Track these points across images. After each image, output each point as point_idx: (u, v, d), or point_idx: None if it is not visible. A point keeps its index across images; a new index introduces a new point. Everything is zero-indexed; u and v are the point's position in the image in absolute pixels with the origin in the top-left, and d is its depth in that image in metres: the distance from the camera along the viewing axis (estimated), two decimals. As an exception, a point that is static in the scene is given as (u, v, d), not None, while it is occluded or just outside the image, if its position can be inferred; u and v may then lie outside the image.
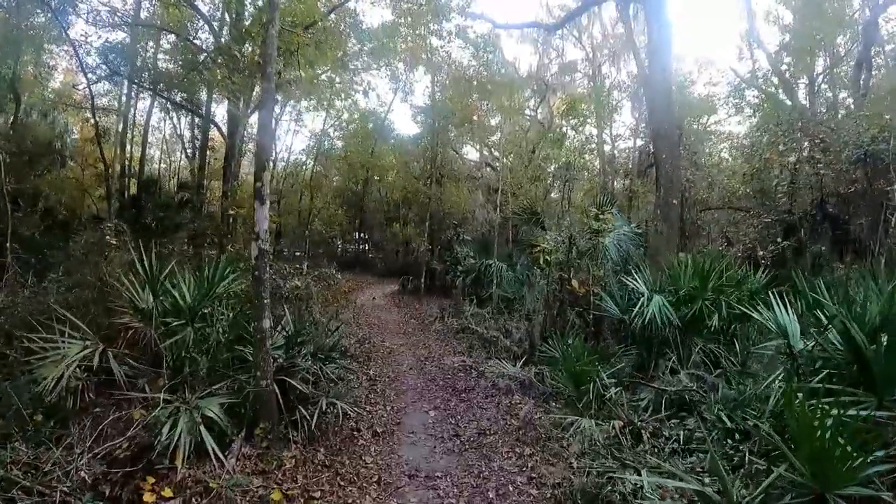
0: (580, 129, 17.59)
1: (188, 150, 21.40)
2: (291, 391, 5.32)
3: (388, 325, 11.70)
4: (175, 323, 5.29)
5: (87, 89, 15.62)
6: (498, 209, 12.91)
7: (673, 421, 6.44)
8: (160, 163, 21.57)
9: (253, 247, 4.77)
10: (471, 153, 24.58)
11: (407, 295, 16.38)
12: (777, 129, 12.59)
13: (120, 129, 20.47)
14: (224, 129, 15.71)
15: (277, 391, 5.06)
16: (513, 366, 7.82)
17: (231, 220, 16.56)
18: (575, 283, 8.11)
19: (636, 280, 8.11)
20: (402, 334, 10.78)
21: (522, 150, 16.05)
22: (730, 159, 18.13)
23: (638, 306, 7.65)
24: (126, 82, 18.32)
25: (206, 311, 5.71)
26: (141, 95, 19.48)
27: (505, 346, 8.98)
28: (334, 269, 10.56)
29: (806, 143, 12.30)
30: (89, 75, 15.11)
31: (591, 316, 8.61)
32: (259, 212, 4.76)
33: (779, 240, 12.02)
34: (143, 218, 18.58)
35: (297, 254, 22.55)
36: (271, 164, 21.52)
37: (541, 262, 8.16)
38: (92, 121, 23.94)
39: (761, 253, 11.19)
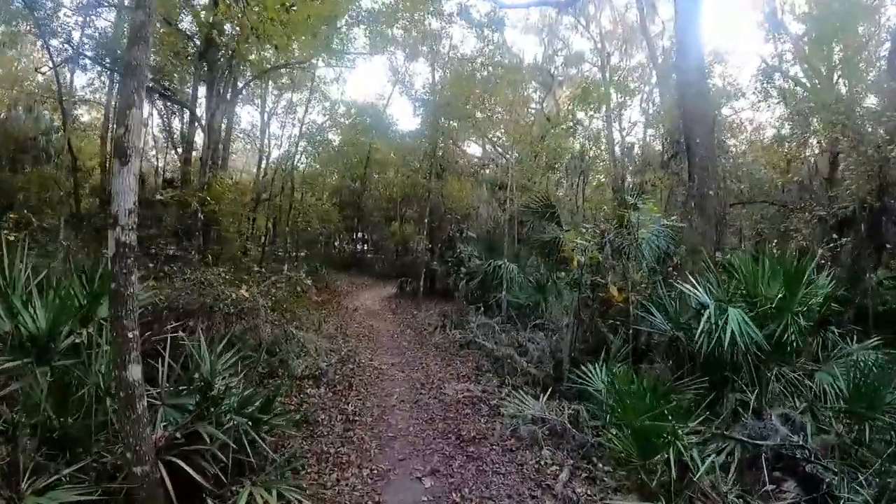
0: (592, 115, 15.35)
1: (176, 144, 19.25)
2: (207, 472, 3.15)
3: (380, 337, 9.50)
4: (6, 363, 3.12)
5: (54, 74, 13.45)
6: (509, 201, 10.71)
7: (769, 487, 4.33)
8: (142, 159, 19.37)
9: (109, 238, 2.59)
10: (473, 149, 22.44)
11: (405, 299, 14.18)
12: (834, 107, 10.38)
13: (105, 125, 18.37)
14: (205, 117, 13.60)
15: (167, 478, 2.89)
16: (535, 398, 5.63)
17: (214, 213, 14.42)
18: (613, 289, 5.92)
19: (695, 287, 5.92)
20: (395, 349, 8.58)
21: (530, 139, 13.87)
22: (744, 150, 15.95)
23: (703, 322, 5.47)
24: (113, 75, 16.37)
25: (77, 341, 3.54)
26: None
27: (522, 368, 6.78)
28: (303, 273, 8.36)
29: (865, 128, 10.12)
30: (55, 58, 13.00)
31: (631, 332, 6.42)
32: (120, 178, 2.58)
33: (835, 236, 9.86)
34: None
35: (293, 254, 20.36)
36: (265, 158, 19.16)
37: (574, 263, 5.98)
38: (76, 115, 21.78)
39: (820, 251, 9.01)
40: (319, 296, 9.20)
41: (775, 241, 10.44)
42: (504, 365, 6.96)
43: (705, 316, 5.53)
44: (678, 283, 5.99)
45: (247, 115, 26.21)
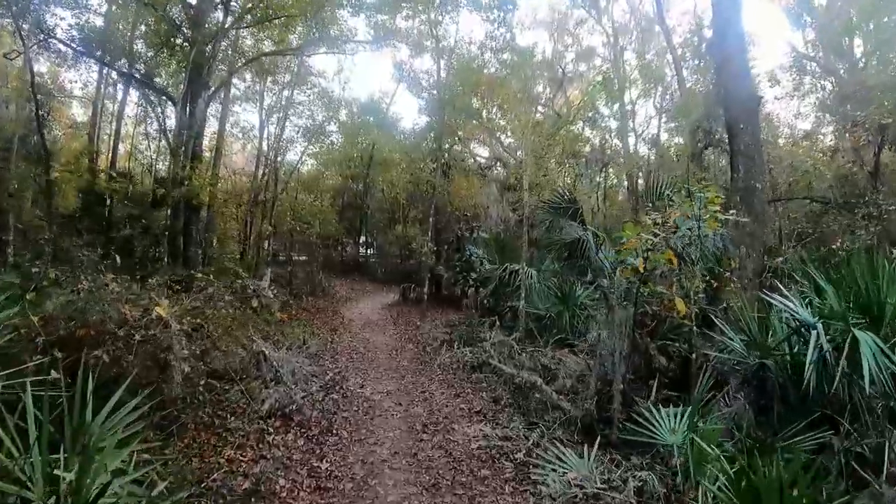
0: (609, 115, 13.73)
1: (171, 144, 17.77)
2: None
3: (377, 355, 7.86)
4: None
5: (27, 63, 12.00)
6: (526, 195, 9.08)
7: None
8: (130, 158, 17.98)
9: None
10: (481, 151, 20.86)
11: (408, 306, 12.54)
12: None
13: (97, 123, 16.94)
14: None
15: None
16: (577, 453, 3.99)
17: (207, 213, 13.02)
18: (680, 302, 4.28)
19: (790, 300, 4.26)
20: (392, 372, 6.93)
21: (542, 133, 12.27)
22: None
23: (811, 348, 3.82)
24: (102, 69, 15.04)
25: None
26: (111, 79, 15.90)
27: (552, 402, 5.13)
28: (268, 282, 6.77)
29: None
30: (27, 42, 11.56)
31: (693, 356, 4.76)
32: None
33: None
34: (110, 217, 15.16)
35: (294, 258, 18.84)
36: (263, 157, 17.70)
37: (628, 269, 4.34)
38: (70, 113, 20.32)
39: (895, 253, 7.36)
40: (285, 311, 7.50)
41: (840, 240, 8.71)
42: (529, 397, 5.31)
43: (813, 340, 3.89)
44: (771, 296, 4.32)
45: (246, 114, 24.77)
